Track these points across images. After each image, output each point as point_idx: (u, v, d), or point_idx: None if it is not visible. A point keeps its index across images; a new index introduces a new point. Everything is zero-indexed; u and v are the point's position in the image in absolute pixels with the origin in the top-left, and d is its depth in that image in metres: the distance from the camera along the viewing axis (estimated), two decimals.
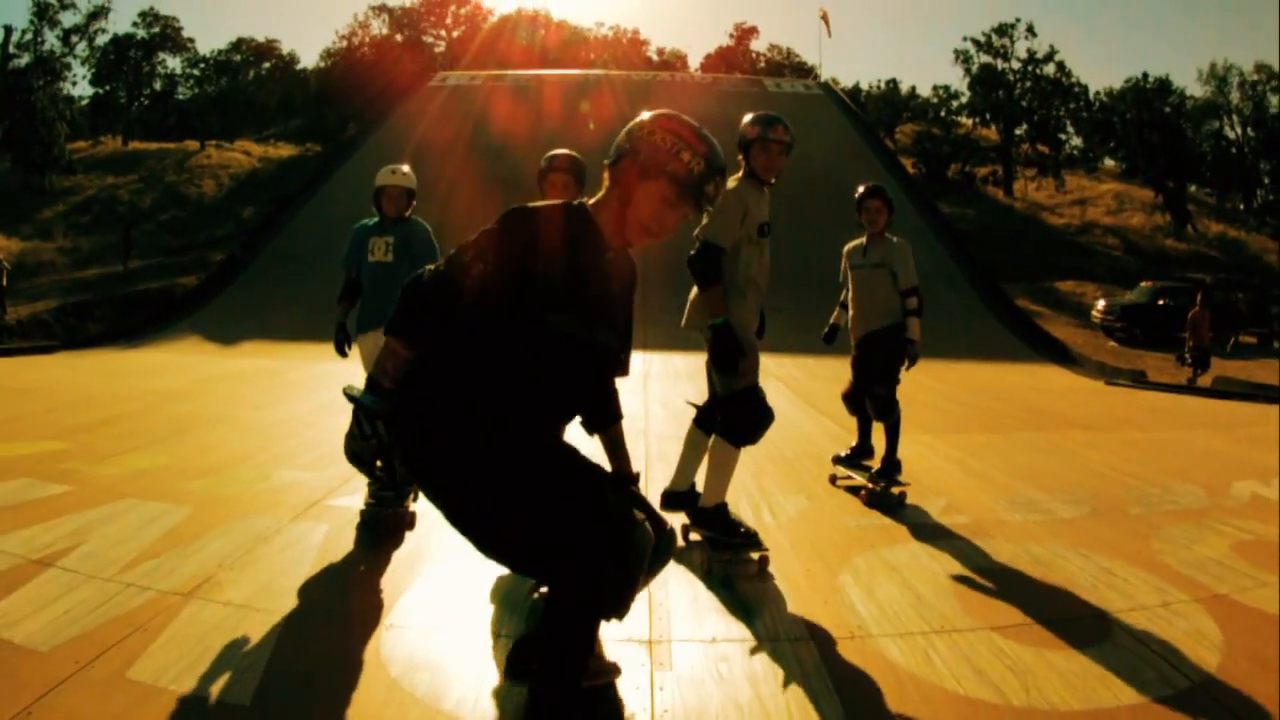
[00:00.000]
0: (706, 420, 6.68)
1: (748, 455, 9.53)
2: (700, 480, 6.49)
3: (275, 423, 11.87)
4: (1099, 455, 10.67)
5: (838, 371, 12.87)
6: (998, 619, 5.19)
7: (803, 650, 4.68)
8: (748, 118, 6.60)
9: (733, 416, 6.23)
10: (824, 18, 73.60)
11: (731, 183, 6.30)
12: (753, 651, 4.67)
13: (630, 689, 4.16)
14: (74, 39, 67.69)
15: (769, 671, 4.40)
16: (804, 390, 16.85)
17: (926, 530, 7.12)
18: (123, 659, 4.30)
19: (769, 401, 6.32)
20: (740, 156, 6.52)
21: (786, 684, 4.26)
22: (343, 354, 7.69)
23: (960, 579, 5.92)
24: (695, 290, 6.56)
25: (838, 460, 8.93)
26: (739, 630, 4.96)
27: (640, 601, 4.44)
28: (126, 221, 45.16)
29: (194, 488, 7.87)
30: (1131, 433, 13.30)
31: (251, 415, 12.41)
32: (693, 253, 6.36)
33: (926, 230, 41.12)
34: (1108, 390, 20.32)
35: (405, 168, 7.80)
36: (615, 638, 4.60)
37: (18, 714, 3.73)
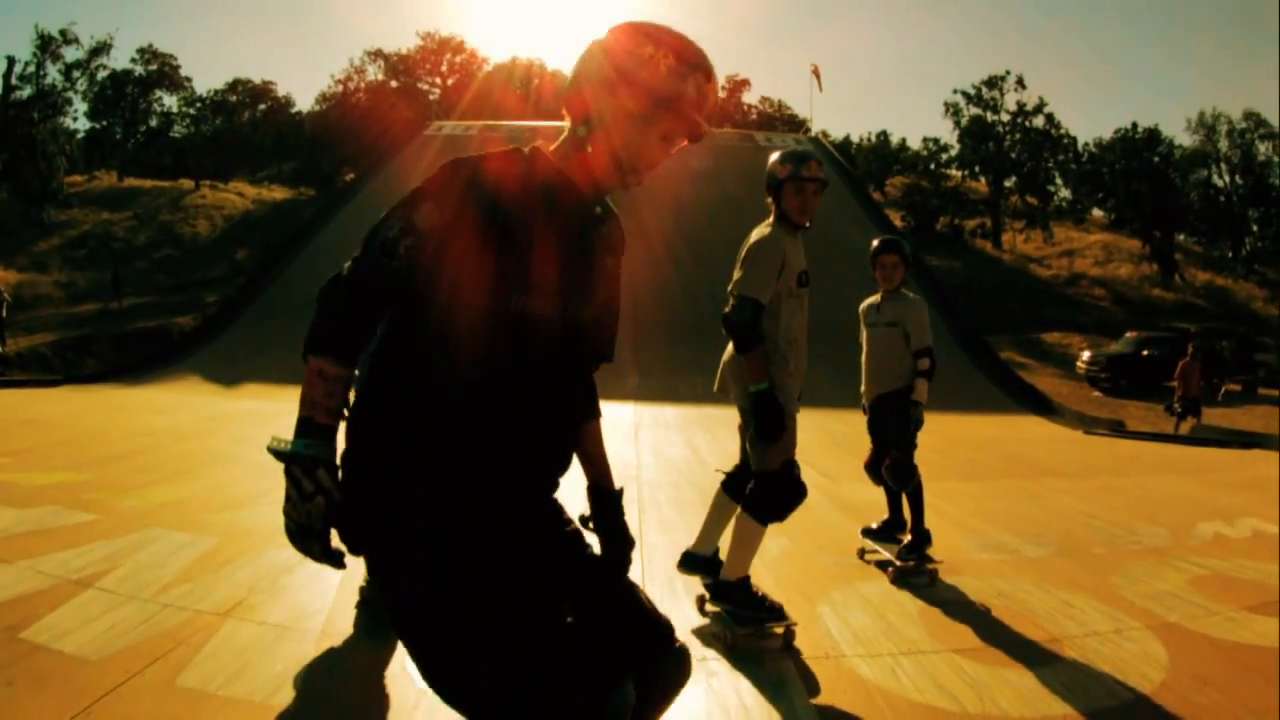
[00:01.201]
0: (735, 486, 6.24)
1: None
2: (724, 546, 6.19)
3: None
4: (1070, 500, 11.09)
5: (820, 423, 13.32)
6: (959, 643, 5.73)
7: (783, 667, 5.27)
8: (775, 156, 6.00)
9: (764, 493, 5.74)
10: (815, 72, 73.71)
11: (764, 229, 5.88)
12: (737, 667, 5.24)
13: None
14: (75, 74, 68.28)
15: (753, 685, 4.93)
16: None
17: (899, 569, 7.49)
18: (170, 669, 4.76)
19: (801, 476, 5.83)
20: (770, 200, 5.99)
21: (769, 695, 4.78)
22: None
23: (927, 609, 6.43)
24: (729, 350, 6.02)
25: (867, 533, 8.22)
26: (729, 653, 5.52)
27: None
28: (114, 262, 45.62)
29: (216, 520, 8.26)
30: (1106, 479, 13.73)
31: (261, 455, 12.58)
32: (727, 310, 5.75)
33: (912, 284, 41.27)
34: (1086, 439, 20.67)
35: None
36: None
37: (79, 713, 4.18)
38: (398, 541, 2.55)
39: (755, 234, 5.89)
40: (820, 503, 10.13)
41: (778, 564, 7.67)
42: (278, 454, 2.53)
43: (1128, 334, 39.31)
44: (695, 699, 4.75)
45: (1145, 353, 35.61)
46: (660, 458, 14.32)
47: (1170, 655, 5.56)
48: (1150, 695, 4.91)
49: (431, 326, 2.58)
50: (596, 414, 3.24)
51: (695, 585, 6.78)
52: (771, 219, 5.94)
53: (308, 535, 2.48)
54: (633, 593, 2.91)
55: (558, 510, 2.96)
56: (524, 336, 2.63)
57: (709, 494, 10.07)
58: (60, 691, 4.45)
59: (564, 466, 2.96)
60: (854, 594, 6.85)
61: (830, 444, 16.25)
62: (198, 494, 9.51)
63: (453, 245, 2.56)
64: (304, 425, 2.53)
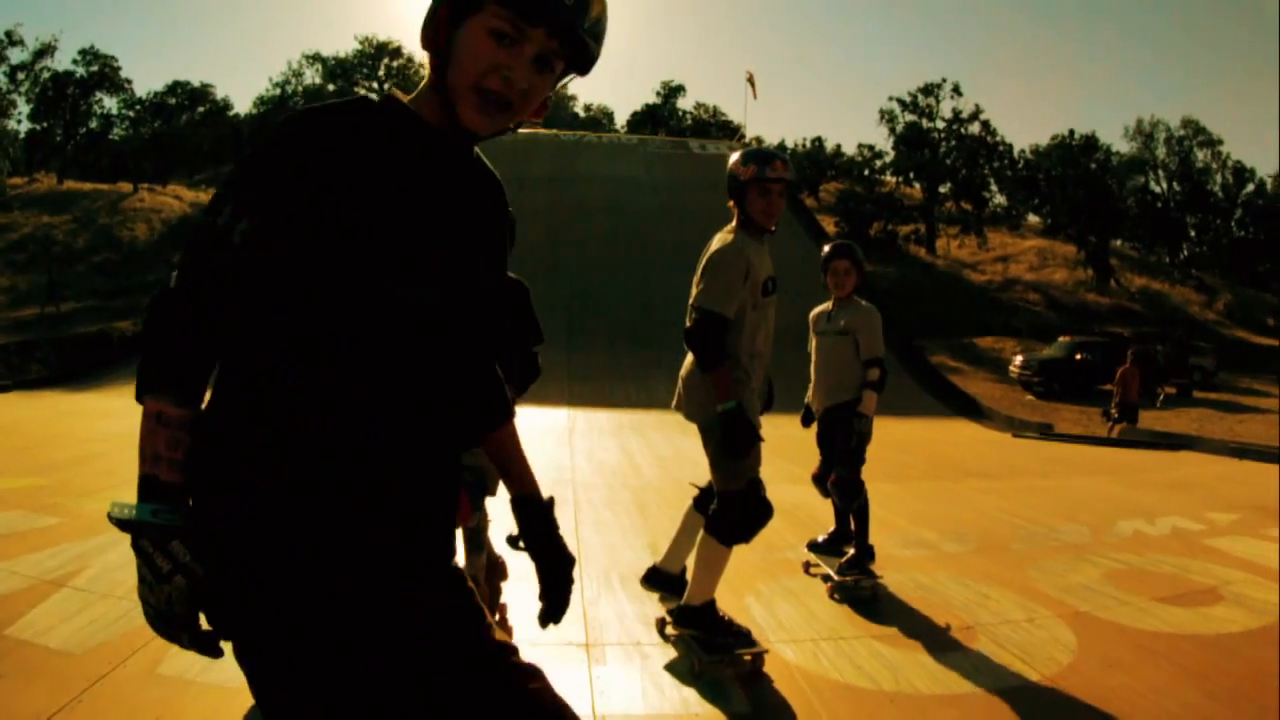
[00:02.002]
0: (706, 503, 5.85)
1: (666, 500, 10.74)
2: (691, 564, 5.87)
3: None
4: (993, 500, 11.55)
5: None
6: (878, 630, 6.19)
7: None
8: (735, 156, 5.70)
9: (728, 514, 5.45)
10: (750, 80, 73.75)
11: (725, 236, 5.55)
12: (673, 650, 5.70)
13: (571, 672, 5.26)
14: (20, 76, 67.80)
15: (687, 667, 5.36)
16: None
17: (838, 584, 7.71)
18: (150, 659, 5.11)
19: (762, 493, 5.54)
20: (732, 204, 5.65)
21: (701, 676, 5.23)
22: None
23: (848, 600, 6.88)
24: (687, 365, 5.67)
25: (812, 547, 7.95)
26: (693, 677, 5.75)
27: (575, 611, 6.23)
28: (48, 267, 45.74)
29: None
30: (1030, 480, 14.21)
31: None
32: (689, 324, 5.40)
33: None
34: (1014, 442, 21.13)
35: None
36: (554, 641, 5.68)
37: (70, 701, 4.52)
38: (258, 624, 1.98)
39: (716, 241, 5.55)
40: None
41: None
42: (121, 523, 1.93)
43: (1061, 339, 40.03)
44: (634, 680, 5.20)
45: (1078, 357, 36.46)
46: (594, 461, 14.80)
47: (1079, 641, 5.99)
48: (1057, 676, 5.34)
49: (281, 331, 2.00)
50: (506, 418, 2.64)
51: (630, 579, 7.20)
52: (734, 224, 5.63)
53: (170, 622, 1.93)
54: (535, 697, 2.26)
55: (450, 565, 2.31)
56: (399, 331, 2.07)
57: (641, 496, 10.52)
58: (50, 683, 4.77)
59: (457, 493, 2.38)
60: (779, 586, 7.29)
61: (762, 446, 16.52)
62: None
63: (299, 222, 1.99)
64: (148, 485, 1.95)
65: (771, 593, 7.10)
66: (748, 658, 5.40)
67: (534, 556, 2.57)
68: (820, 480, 7.86)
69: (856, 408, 7.34)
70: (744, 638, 5.44)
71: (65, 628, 5.65)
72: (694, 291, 5.46)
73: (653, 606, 6.55)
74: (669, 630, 5.87)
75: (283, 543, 1.95)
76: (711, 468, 5.62)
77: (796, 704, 4.91)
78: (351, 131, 2.09)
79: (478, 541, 5.53)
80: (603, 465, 14.30)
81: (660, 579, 6.16)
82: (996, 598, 7.00)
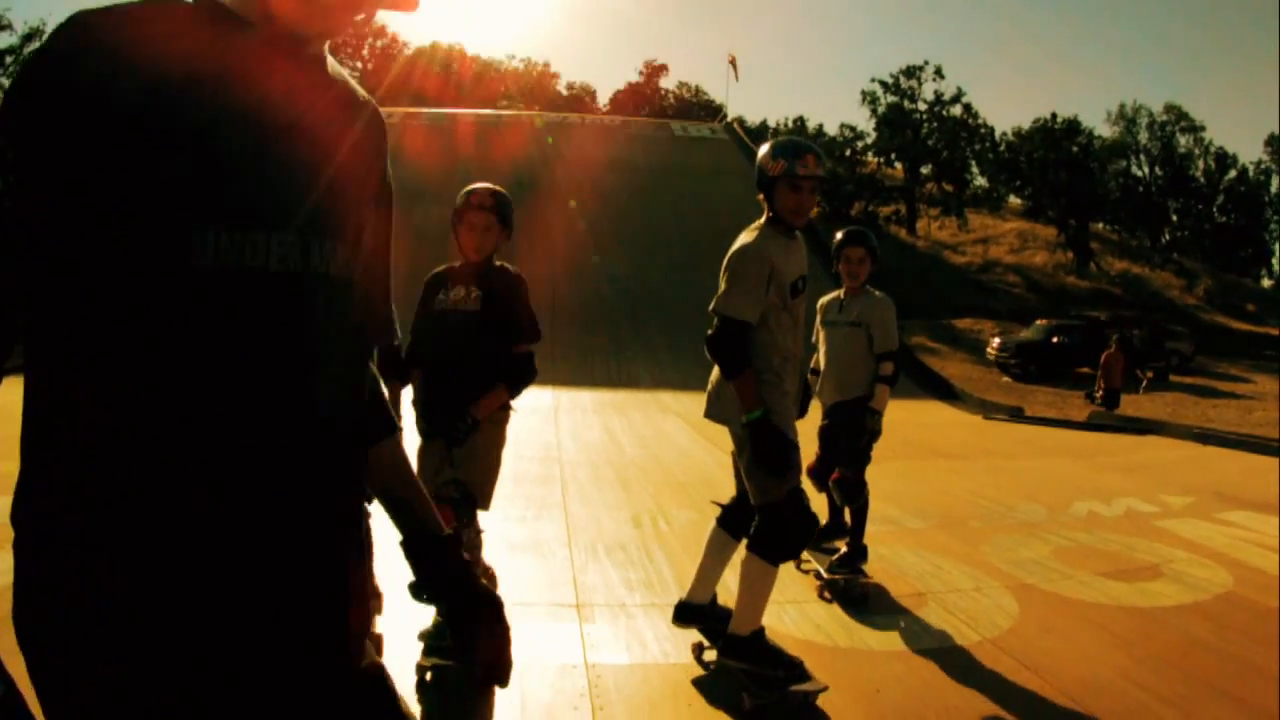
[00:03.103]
0: (732, 521, 5.63)
1: (647, 476, 11.44)
2: (722, 590, 5.70)
3: None
4: (958, 480, 12.10)
5: None
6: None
7: None
8: (765, 149, 5.24)
9: (771, 529, 5.02)
10: (732, 62, 73.60)
11: (750, 234, 5.21)
12: (654, 610, 6.41)
13: (564, 628, 5.94)
14: (8, 60, 67.62)
15: (664, 624, 5.95)
16: (700, 424, 17.31)
17: (828, 582, 8.48)
18: None
19: (797, 499, 5.10)
20: (761, 197, 5.22)
21: (676, 634, 5.82)
22: None
23: (839, 599, 7.19)
24: (716, 373, 5.31)
25: None
26: (644, 598, 6.70)
27: (567, 576, 6.95)
28: None
29: None
30: (996, 461, 14.79)
31: None
32: (710, 331, 5.13)
33: (821, 273, 42.12)
34: (985, 424, 21.55)
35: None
36: (548, 602, 6.49)
37: None
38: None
39: (741, 239, 5.24)
40: (727, 480, 10.80)
41: (684, 532, 8.76)
42: None
43: (1038, 322, 40.38)
44: (616, 633, 5.94)
45: (1055, 340, 36.88)
46: (579, 440, 15.38)
47: (1021, 608, 6.63)
48: (996, 639, 5.98)
49: (72, 324, 1.46)
50: (388, 431, 2.11)
51: (614, 548, 7.97)
52: (762, 221, 5.25)
53: None
54: None
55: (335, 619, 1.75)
56: (237, 312, 1.54)
57: (623, 472, 11.05)
58: None
59: (340, 521, 1.80)
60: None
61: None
62: None
63: (83, 171, 1.43)
64: None
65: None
66: (805, 689, 4.94)
67: (442, 612, 2.09)
68: (819, 476, 7.49)
69: (868, 403, 7.12)
70: (798, 670, 5.02)
71: None
72: (716, 294, 5.16)
73: (636, 571, 7.32)
74: (707, 658, 5.52)
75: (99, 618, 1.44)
76: (746, 480, 5.21)
77: None
78: (155, 43, 1.50)
79: (470, 557, 5.17)
80: (587, 443, 14.89)
81: (691, 613, 5.65)
82: (949, 569, 7.61)
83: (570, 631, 5.92)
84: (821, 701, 4.93)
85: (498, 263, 5.59)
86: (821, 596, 6.90)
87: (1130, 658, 5.75)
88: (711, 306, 5.16)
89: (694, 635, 5.64)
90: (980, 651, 5.77)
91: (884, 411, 7.21)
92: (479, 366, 5.33)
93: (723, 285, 5.15)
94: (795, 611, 6.37)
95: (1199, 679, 5.48)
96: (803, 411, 6.18)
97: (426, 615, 5.11)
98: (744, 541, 5.36)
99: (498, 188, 5.58)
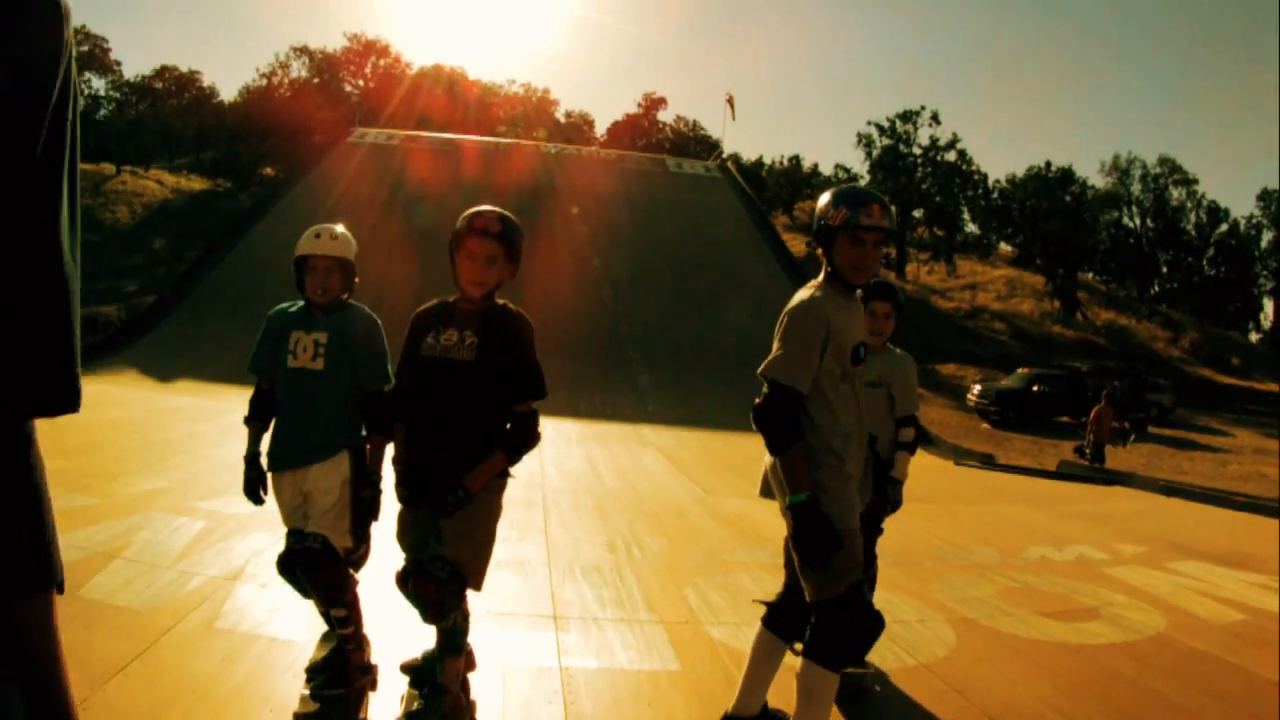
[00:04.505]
0: (780, 621, 4.98)
1: (623, 506, 12.10)
2: (771, 696, 5.12)
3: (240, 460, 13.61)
4: (919, 523, 12.42)
5: (706, 444, 14.85)
6: None
7: (651, 630, 7.03)
8: (826, 197, 4.70)
9: (830, 631, 4.45)
10: (729, 101, 73.96)
11: (807, 291, 4.62)
12: (623, 624, 7.08)
13: (541, 636, 6.59)
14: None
15: (631, 636, 6.71)
16: (677, 459, 18.75)
17: (755, 566, 9.31)
18: (206, 616, 6.39)
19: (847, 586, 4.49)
20: (819, 251, 4.71)
21: (641, 646, 6.56)
22: (256, 500, 5.29)
23: (771, 597, 8.07)
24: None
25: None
26: (615, 613, 7.36)
27: (546, 591, 7.66)
28: None
29: (200, 507, 9.67)
30: (958, 506, 15.19)
31: (214, 451, 13.97)
32: (758, 401, 4.54)
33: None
34: (955, 469, 21.95)
35: (339, 228, 5.39)
36: (529, 613, 7.15)
37: (147, 648, 5.71)
38: None
39: (796, 297, 4.65)
40: (698, 513, 12.06)
41: (655, 558, 9.47)
42: None
43: (1020, 370, 41.01)
44: (588, 641, 6.60)
45: (1035, 389, 37.49)
46: (561, 468, 15.96)
47: (959, 640, 7.19)
48: (932, 664, 6.58)
49: None
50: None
51: (590, 569, 8.66)
52: (820, 278, 4.69)
53: None
54: None
55: None
56: None
57: (602, 501, 11.69)
58: (128, 633, 5.94)
59: None
60: (714, 582, 8.58)
61: (714, 462, 18.16)
62: (175, 485, 10.86)
63: None
64: None
65: (708, 586, 8.41)
66: None
67: None
68: None
69: (888, 472, 6.37)
70: None
71: (128, 590, 6.83)
72: (767, 358, 4.57)
73: (609, 590, 8.03)
74: None
75: None
76: (801, 575, 4.56)
77: (717, 669, 6.21)
78: None
79: (455, 643, 4.82)
80: (569, 472, 15.45)
81: None
82: (897, 602, 8.14)
83: (547, 639, 6.57)
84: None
85: (500, 301, 4.90)
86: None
87: (1054, 688, 6.26)
88: (760, 370, 4.52)
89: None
90: (914, 675, 6.34)
91: (905, 482, 6.51)
92: (471, 427, 4.71)
93: (775, 347, 4.54)
94: (750, 632, 6.83)
95: (1116, 710, 5.94)
96: (878, 492, 5.85)
97: (408, 651, 5.25)
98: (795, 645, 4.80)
99: (506, 212, 4.87)
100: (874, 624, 4.54)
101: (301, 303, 5.32)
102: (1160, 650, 7.37)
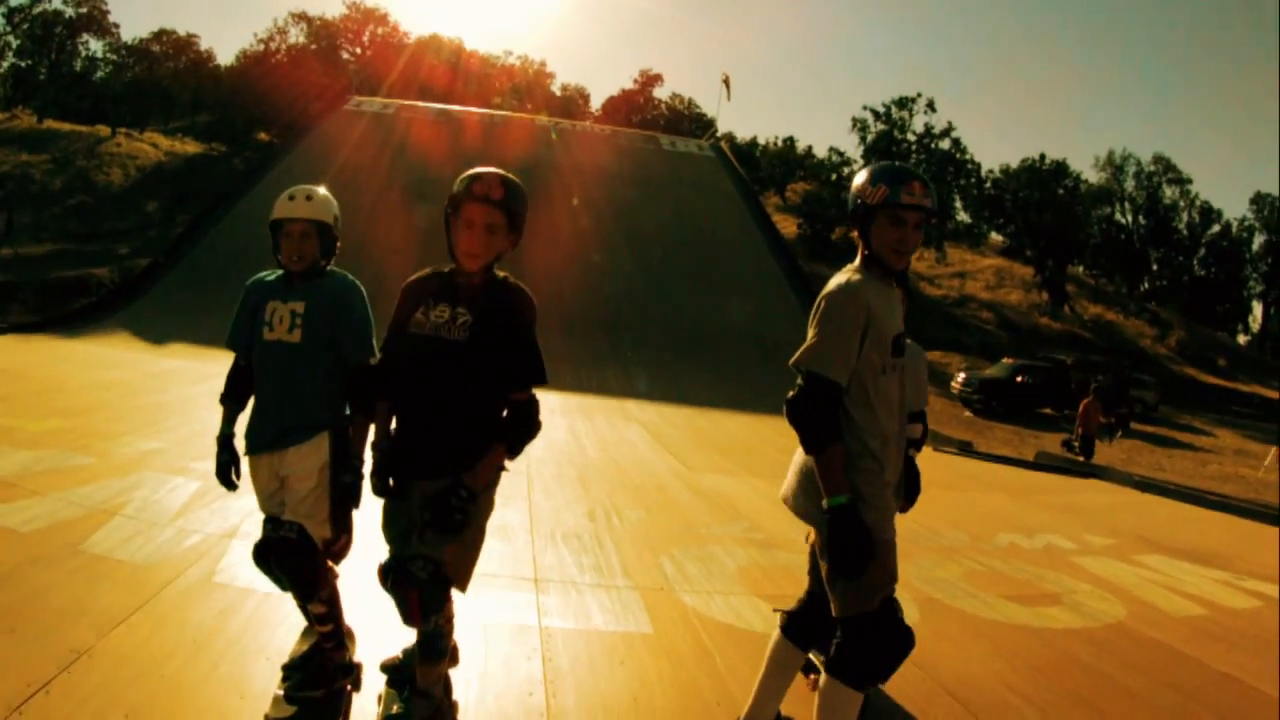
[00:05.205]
0: (799, 630, 4.76)
1: (605, 477, 12.44)
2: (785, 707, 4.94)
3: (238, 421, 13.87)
4: None
5: (690, 419, 15.01)
6: (761, 591, 7.85)
7: (627, 595, 7.40)
8: (862, 176, 4.34)
9: (856, 647, 4.15)
10: (725, 81, 73.48)
11: (844, 276, 4.29)
12: (600, 589, 7.45)
13: (522, 597, 6.92)
14: (16, 18, 68.22)
15: (607, 600, 7.11)
16: (660, 434, 19.07)
17: (729, 539, 9.61)
18: (205, 570, 6.72)
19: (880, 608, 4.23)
20: (855, 234, 4.35)
21: (617, 609, 6.93)
22: (229, 485, 4.92)
23: (744, 569, 8.47)
24: (801, 452, 4.41)
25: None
26: (592, 579, 7.72)
27: (528, 555, 8.05)
28: (7, 206, 46.19)
29: (195, 468, 9.96)
30: (934, 491, 14.74)
31: (210, 416, 13.93)
32: (792, 394, 4.21)
33: (792, 296, 43.06)
34: (932, 455, 21.69)
35: (321, 190, 5.03)
36: (511, 575, 7.54)
37: (149, 599, 6.03)
38: None
39: (833, 281, 4.32)
40: (677, 486, 12.40)
41: (634, 528, 9.81)
42: None
43: (1004, 360, 41.13)
44: (566, 603, 6.94)
45: (1019, 379, 37.62)
46: (545, 439, 15.82)
47: (921, 617, 7.45)
48: None
49: None
50: None
51: (570, 536, 9.04)
52: (857, 262, 4.35)
53: None
54: None
55: None
56: None
57: (584, 472, 12.08)
58: (130, 586, 6.25)
59: None
60: (688, 553, 8.90)
61: (696, 439, 18.40)
62: (170, 445, 11.19)
63: None
64: None
65: (683, 556, 8.75)
66: None
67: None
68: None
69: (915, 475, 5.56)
70: None
71: (129, 546, 7.13)
72: (802, 347, 4.25)
73: (588, 556, 8.41)
74: None
75: None
76: (829, 587, 4.26)
77: (688, 633, 6.58)
78: None
79: (436, 647, 4.49)
80: (553, 443, 15.58)
81: None
82: None
83: (528, 600, 6.91)
84: (726, 671, 5.88)
85: (500, 274, 4.49)
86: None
87: (1009, 666, 6.55)
88: (793, 360, 4.20)
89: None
90: None
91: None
92: (462, 414, 4.36)
93: (810, 336, 4.21)
94: (723, 601, 7.38)
95: (1067, 690, 6.24)
96: (910, 501, 5.19)
97: (390, 647, 5.12)
98: (809, 654, 4.85)
99: (509, 175, 4.35)
100: (905, 643, 4.24)
101: (281, 271, 4.97)
102: (1118, 638, 7.60)
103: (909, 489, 4.87)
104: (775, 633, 4.80)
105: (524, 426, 4.48)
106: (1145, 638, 7.70)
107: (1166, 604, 8.91)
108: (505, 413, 4.47)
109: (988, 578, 9.15)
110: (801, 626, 4.71)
